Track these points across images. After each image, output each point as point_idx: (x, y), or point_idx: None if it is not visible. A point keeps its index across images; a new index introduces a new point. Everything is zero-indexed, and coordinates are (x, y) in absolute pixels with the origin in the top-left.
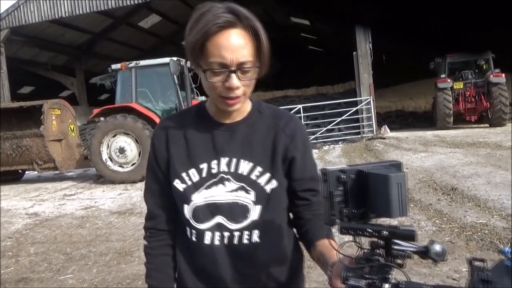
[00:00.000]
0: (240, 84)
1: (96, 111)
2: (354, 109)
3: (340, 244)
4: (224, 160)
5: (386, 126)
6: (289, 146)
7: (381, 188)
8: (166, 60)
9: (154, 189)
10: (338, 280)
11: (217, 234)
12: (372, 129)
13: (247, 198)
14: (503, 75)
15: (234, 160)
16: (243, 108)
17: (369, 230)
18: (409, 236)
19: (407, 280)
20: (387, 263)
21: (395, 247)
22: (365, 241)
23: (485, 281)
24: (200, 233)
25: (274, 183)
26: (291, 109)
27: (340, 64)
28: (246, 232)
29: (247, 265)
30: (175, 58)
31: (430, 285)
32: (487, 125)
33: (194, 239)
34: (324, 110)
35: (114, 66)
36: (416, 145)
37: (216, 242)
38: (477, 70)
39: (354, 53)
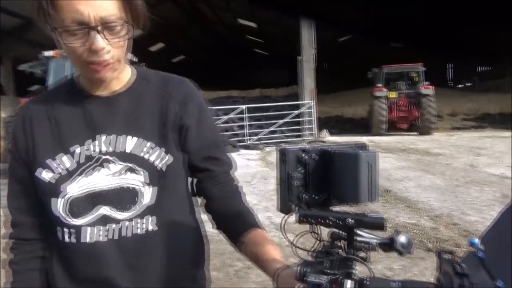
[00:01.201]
0: (106, 45)
1: (24, 101)
2: (297, 112)
3: (296, 235)
4: (103, 139)
5: (326, 130)
6: (182, 114)
7: (349, 169)
8: None
9: (17, 190)
10: (289, 280)
11: (101, 228)
12: (313, 132)
13: (137, 180)
14: (432, 87)
15: (117, 137)
16: (122, 77)
17: (333, 218)
18: (378, 224)
19: (371, 275)
20: (349, 256)
21: (359, 238)
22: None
23: (461, 275)
24: (78, 231)
25: (168, 159)
26: (234, 109)
27: (285, 68)
28: (138, 221)
29: (142, 259)
30: None
31: (398, 280)
32: (417, 133)
33: (69, 239)
34: (268, 112)
35: (46, 53)
36: None
37: (101, 239)
38: (409, 82)
39: (298, 57)
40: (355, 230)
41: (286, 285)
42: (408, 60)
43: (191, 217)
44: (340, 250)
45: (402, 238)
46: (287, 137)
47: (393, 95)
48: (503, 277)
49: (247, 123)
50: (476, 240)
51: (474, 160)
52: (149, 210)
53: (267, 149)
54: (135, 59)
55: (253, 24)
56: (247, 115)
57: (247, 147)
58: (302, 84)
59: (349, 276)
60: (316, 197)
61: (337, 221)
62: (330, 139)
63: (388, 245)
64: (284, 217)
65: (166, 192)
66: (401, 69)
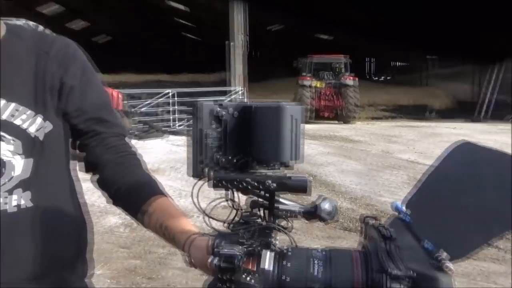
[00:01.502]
0: None
1: None
2: (228, 98)
3: (210, 202)
4: None
5: None
6: (62, 75)
7: (271, 124)
8: None
9: None
10: (201, 255)
11: None
12: None
13: (8, 150)
14: (355, 79)
15: None
16: None
17: (252, 182)
18: (302, 187)
19: (293, 245)
20: (269, 224)
21: (280, 207)
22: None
23: (387, 238)
24: None
25: (47, 126)
26: (161, 93)
27: (215, 54)
28: (7, 196)
29: (11, 241)
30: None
31: (322, 249)
32: (339, 121)
33: None
34: (197, 98)
35: None
36: None
37: None
38: (334, 72)
39: (227, 42)
40: (276, 198)
41: (198, 260)
42: (334, 52)
43: (73, 193)
44: (260, 220)
45: (326, 205)
46: None
47: (318, 84)
48: (429, 240)
49: (176, 108)
50: (400, 204)
51: (389, 147)
52: (22, 184)
53: None
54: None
55: (183, 7)
56: (175, 99)
57: (174, 133)
58: (232, 70)
59: (268, 246)
60: (234, 160)
61: (257, 185)
62: None
63: (312, 213)
64: (196, 183)
65: (44, 165)
66: (326, 60)
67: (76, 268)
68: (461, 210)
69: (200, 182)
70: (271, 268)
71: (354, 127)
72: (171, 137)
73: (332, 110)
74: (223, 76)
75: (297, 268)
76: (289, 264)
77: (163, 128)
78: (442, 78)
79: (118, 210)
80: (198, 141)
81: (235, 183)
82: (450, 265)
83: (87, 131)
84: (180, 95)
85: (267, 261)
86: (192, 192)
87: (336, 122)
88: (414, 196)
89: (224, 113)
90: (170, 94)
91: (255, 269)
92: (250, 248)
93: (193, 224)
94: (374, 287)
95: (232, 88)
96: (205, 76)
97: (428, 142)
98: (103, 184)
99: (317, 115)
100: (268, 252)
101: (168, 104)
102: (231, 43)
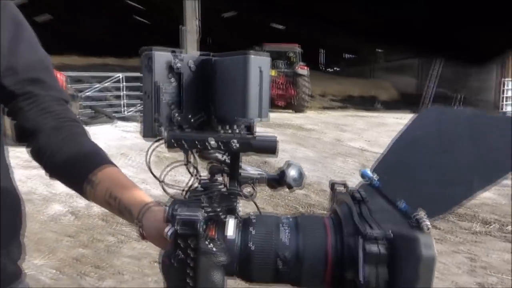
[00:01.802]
0: None
1: None
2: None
3: (166, 167)
4: None
5: None
6: None
7: (235, 76)
8: None
9: None
10: (156, 225)
11: None
12: None
13: None
14: (307, 68)
15: None
16: None
17: (213, 142)
18: (270, 147)
19: (258, 212)
20: (233, 189)
21: (243, 173)
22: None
23: (360, 201)
24: None
25: None
26: (110, 77)
27: (167, 38)
28: None
29: None
30: None
31: (291, 216)
32: (292, 110)
33: None
34: None
35: None
36: None
37: None
38: (287, 61)
39: (181, 26)
40: (241, 164)
41: (153, 231)
42: (288, 42)
43: (5, 169)
44: (221, 186)
45: (293, 171)
46: None
47: (272, 73)
48: (404, 201)
49: (125, 93)
50: (368, 170)
51: (340, 135)
52: None
53: None
54: None
55: None
56: (124, 84)
57: (124, 119)
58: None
59: (232, 212)
60: (192, 119)
61: (219, 145)
62: None
63: (278, 180)
64: (151, 144)
65: None
66: (280, 49)
67: (11, 251)
68: (436, 169)
69: (155, 145)
70: (235, 236)
71: (306, 115)
72: (120, 123)
73: (285, 99)
74: None
75: (264, 236)
76: (255, 231)
77: (113, 114)
78: (388, 71)
79: (63, 198)
80: (151, 95)
81: (196, 143)
82: (428, 223)
83: (20, 93)
84: (129, 80)
85: (231, 228)
86: (146, 157)
87: (289, 111)
88: (382, 162)
89: (180, 64)
90: (121, 78)
91: (216, 237)
92: (212, 213)
93: (147, 195)
94: (348, 252)
95: None
96: None
97: (377, 131)
98: (38, 153)
99: (271, 104)
100: (232, 219)
101: (117, 89)
102: (183, 28)
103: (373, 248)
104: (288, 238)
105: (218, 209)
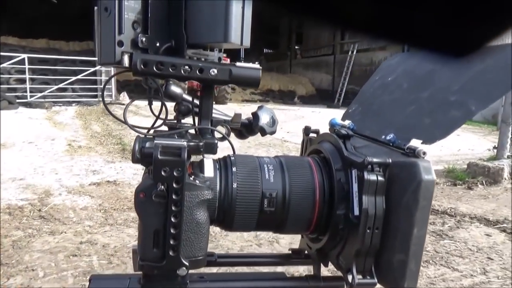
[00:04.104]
0: None
1: None
2: (92, 69)
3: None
4: None
5: (126, 93)
6: None
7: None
8: None
9: None
10: None
11: None
12: (111, 93)
13: None
14: (228, 59)
15: None
16: None
17: (187, 67)
18: (253, 78)
19: (236, 154)
20: (205, 127)
21: (216, 116)
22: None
23: (346, 136)
24: None
25: None
26: (12, 58)
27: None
28: None
29: None
30: None
31: (272, 156)
32: (214, 102)
33: None
34: (56, 66)
35: None
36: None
37: None
38: None
39: (96, 8)
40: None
41: None
42: None
43: None
44: (189, 125)
45: (265, 115)
46: (80, 96)
47: None
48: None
49: (30, 76)
50: (336, 120)
51: None
52: None
53: (55, 108)
54: None
55: None
56: (28, 66)
57: (28, 105)
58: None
59: (211, 149)
60: (158, 43)
61: (196, 72)
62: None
63: (249, 126)
64: (110, 77)
65: None
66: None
67: None
68: (419, 104)
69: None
70: (214, 175)
71: (228, 107)
72: (23, 109)
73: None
74: (85, 46)
75: (247, 175)
76: (236, 170)
77: (16, 101)
78: (305, 67)
79: None
80: (112, 12)
81: (170, 68)
82: (424, 149)
83: None
84: (34, 62)
85: (209, 167)
86: (103, 90)
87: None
88: (352, 111)
89: None
90: (26, 59)
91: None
92: (192, 144)
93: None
94: (339, 187)
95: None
96: (65, 44)
97: (296, 124)
98: None
99: (195, 96)
100: (209, 159)
101: (21, 72)
102: (96, 8)
103: (371, 176)
104: (273, 177)
105: (200, 142)
